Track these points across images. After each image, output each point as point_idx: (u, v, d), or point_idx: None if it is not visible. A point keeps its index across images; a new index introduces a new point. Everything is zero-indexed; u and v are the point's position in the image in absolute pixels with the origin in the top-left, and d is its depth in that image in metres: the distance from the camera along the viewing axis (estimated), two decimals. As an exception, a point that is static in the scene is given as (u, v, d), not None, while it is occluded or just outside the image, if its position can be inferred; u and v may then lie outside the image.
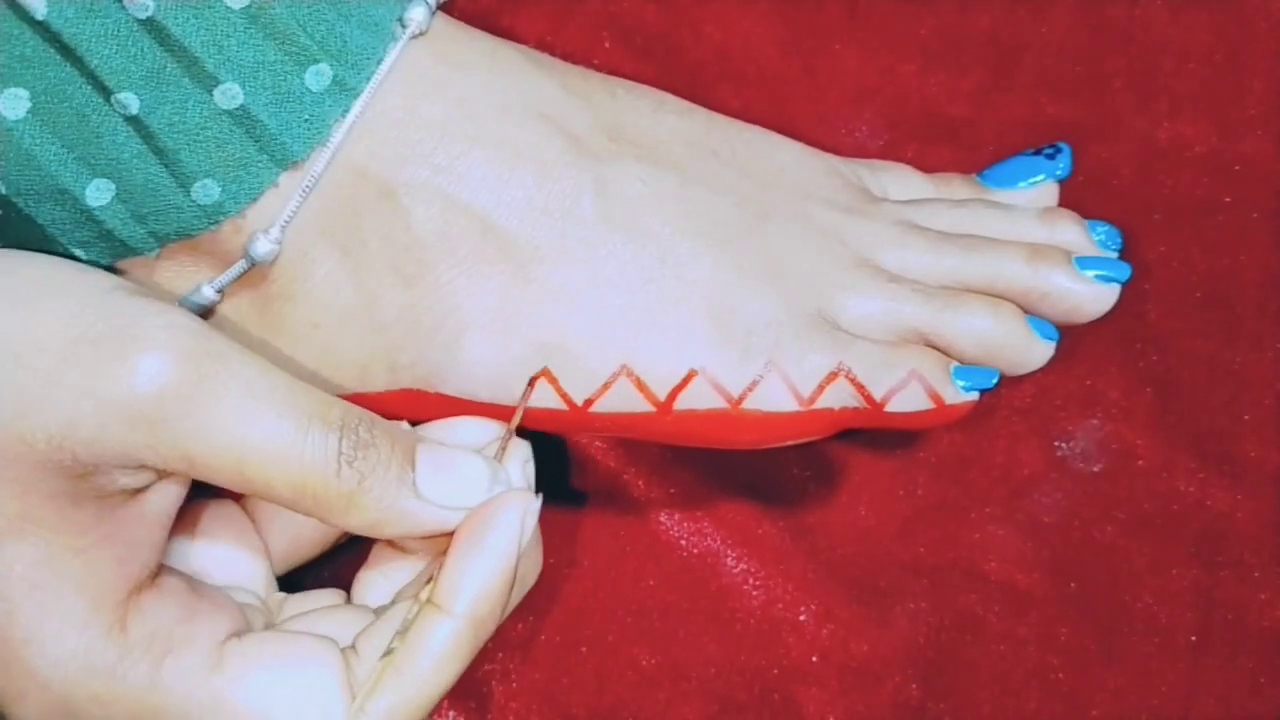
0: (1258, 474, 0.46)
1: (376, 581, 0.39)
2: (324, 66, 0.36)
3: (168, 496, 0.35)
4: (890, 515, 0.47)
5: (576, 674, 0.45)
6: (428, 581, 0.36)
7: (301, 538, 0.41)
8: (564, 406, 0.38)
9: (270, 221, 0.36)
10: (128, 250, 0.37)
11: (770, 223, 0.40)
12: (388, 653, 0.35)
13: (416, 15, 0.37)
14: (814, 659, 0.45)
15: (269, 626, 0.38)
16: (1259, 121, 0.49)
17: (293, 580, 0.42)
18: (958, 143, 0.50)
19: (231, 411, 0.33)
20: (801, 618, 0.45)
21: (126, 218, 0.36)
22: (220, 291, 0.37)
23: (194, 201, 0.36)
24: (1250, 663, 0.45)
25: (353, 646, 0.36)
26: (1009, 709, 0.44)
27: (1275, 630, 0.45)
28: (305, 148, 0.36)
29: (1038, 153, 0.45)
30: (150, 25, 0.34)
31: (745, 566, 0.46)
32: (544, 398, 0.38)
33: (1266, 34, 0.50)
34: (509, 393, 0.38)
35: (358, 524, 0.35)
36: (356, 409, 0.35)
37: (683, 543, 0.46)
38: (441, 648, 0.35)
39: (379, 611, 0.38)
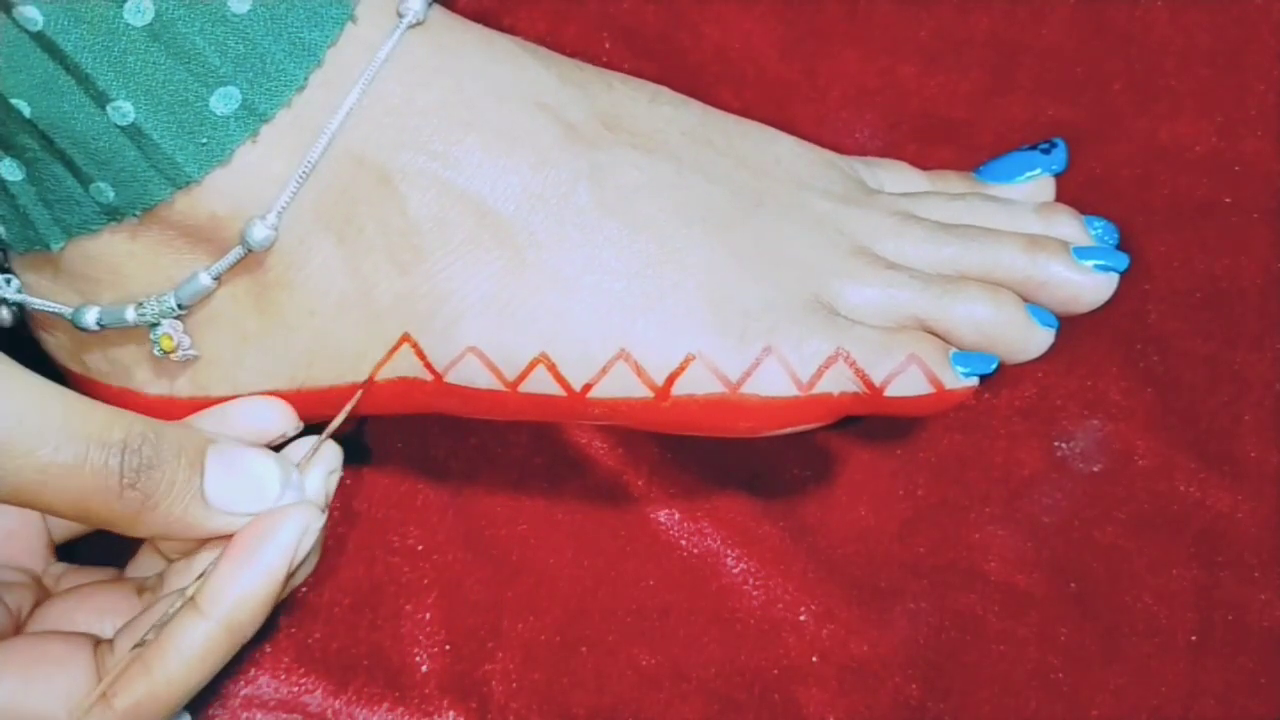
0: (1258, 474, 0.46)
1: (156, 562, 0.41)
2: (232, 89, 0.36)
3: None
4: (890, 515, 0.46)
5: (576, 674, 0.45)
6: (199, 577, 0.36)
7: None
8: (562, 393, 0.38)
9: (267, 208, 0.36)
10: (38, 237, 0.37)
11: (766, 211, 0.40)
12: (140, 644, 0.35)
13: (413, 4, 0.37)
14: (814, 659, 0.45)
15: (39, 604, 0.39)
16: (1259, 122, 0.50)
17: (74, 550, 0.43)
18: (958, 144, 0.50)
19: (2, 448, 0.33)
20: (801, 618, 0.45)
21: (36, 200, 0.37)
22: (217, 279, 0.38)
23: (92, 199, 0.36)
24: (1250, 663, 0.44)
25: (111, 641, 0.37)
26: (1009, 709, 0.44)
27: (1275, 630, 0.45)
28: (201, 169, 0.36)
29: (1033, 147, 0.45)
30: (40, 39, 0.34)
31: (745, 566, 0.46)
32: (542, 384, 0.38)
33: (1267, 35, 0.50)
34: (505, 379, 0.38)
35: (147, 535, 0.36)
36: (141, 423, 0.35)
37: (683, 543, 0.46)
38: (194, 649, 0.35)
39: (151, 585, 0.39)
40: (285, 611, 0.45)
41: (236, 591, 0.35)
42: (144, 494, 0.34)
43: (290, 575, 0.37)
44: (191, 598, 0.36)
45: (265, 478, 0.37)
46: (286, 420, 0.40)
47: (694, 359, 0.38)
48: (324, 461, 0.39)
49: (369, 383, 0.39)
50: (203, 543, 0.38)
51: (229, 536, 0.36)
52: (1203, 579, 0.45)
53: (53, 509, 0.34)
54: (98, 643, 0.37)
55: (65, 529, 0.42)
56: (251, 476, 0.37)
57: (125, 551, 0.42)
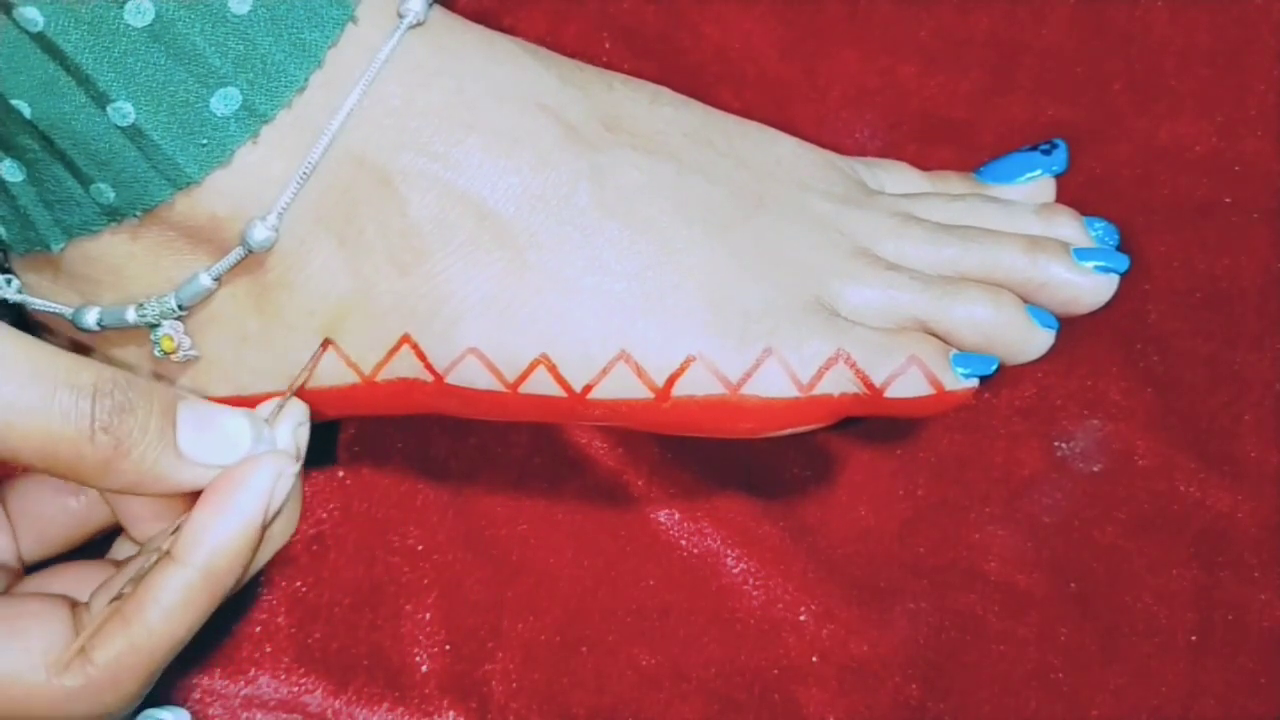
0: (1258, 474, 0.46)
1: (132, 549, 0.41)
2: (233, 90, 0.35)
3: None
4: (890, 515, 0.46)
5: (576, 674, 0.45)
6: (173, 531, 0.36)
7: (49, 532, 0.42)
8: (562, 394, 0.38)
9: (267, 209, 0.36)
10: (38, 238, 0.37)
11: (767, 212, 0.40)
12: (117, 598, 0.35)
13: (414, 5, 0.37)
14: (814, 659, 0.45)
15: (11, 586, 0.39)
16: (1259, 122, 0.50)
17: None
18: (957, 144, 0.50)
19: None
20: (801, 618, 0.45)
21: (36, 201, 0.37)
22: (217, 279, 0.38)
23: (93, 200, 0.36)
24: (1250, 663, 0.45)
25: (88, 603, 0.37)
26: (1009, 709, 0.44)
27: (1275, 630, 0.45)
28: (201, 170, 0.36)
29: (1034, 148, 0.45)
30: (41, 40, 0.34)
31: (745, 566, 0.46)
32: (542, 385, 0.38)
33: (1267, 34, 0.50)
34: (506, 381, 0.38)
35: (116, 486, 0.35)
36: (112, 370, 0.35)
37: (683, 543, 0.46)
38: (172, 598, 0.35)
39: (129, 559, 0.39)
40: (285, 611, 0.45)
41: (213, 538, 0.35)
42: (116, 439, 0.34)
43: (266, 526, 0.37)
44: (168, 551, 0.35)
45: (237, 431, 0.37)
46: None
47: (694, 360, 0.38)
48: (291, 416, 0.39)
49: (324, 347, 0.39)
50: (180, 510, 0.38)
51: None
52: (1203, 579, 0.45)
53: (18, 455, 0.34)
54: (74, 605, 0.37)
55: (38, 548, 0.42)
56: (223, 429, 0.37)
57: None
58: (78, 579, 0.39)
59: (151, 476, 0.35)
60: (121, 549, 0.42)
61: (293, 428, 0.39)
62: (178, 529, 0.36)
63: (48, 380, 0.34)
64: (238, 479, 0.36)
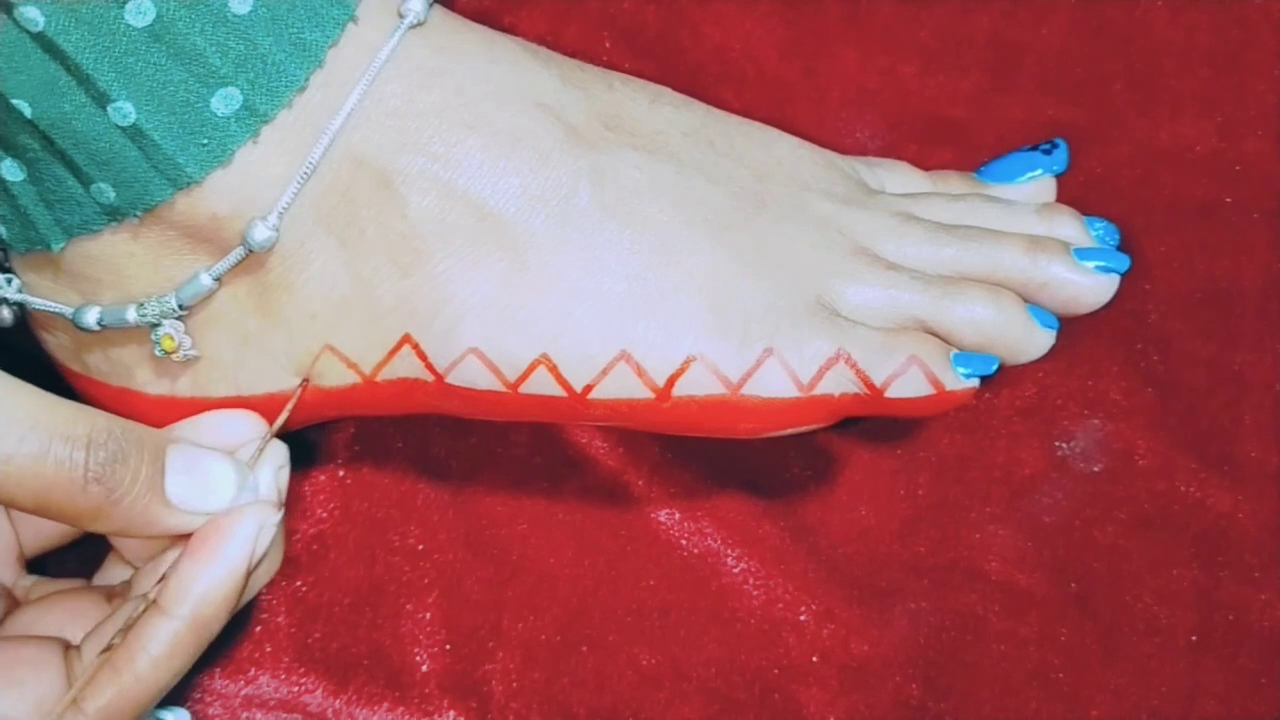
0: (1258, 474, 0.46)
1: (123, 570, 0.42)
2: (233, 90, 0.36)
3: None
4: (890, 515, 0.46)
5: (576, 674, 0.45)
6: (159, 580, 0.37)
7: (47, 527, 0.42)
8: (563, 394, 0.38)
9: (268, 209, 0.36)
10: (39, 238, 0.37)
11: (768, 212, 0.40)
12: (108, 648, 0.36)
13: (414, 5, 0.37)
14: (814, 659, 0.45)
15: (9, 614, 0.40)
16: (1259, 122, 0.50)
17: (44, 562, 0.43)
18: (958, 144, 0.50)
19: None
20: (802, 618, 0.45)
21: (37, 200, 0.37)
22: (218, 279, 0.38)
23: (93, 199, 0.36)
24: (1250, 663, 0.44)
25: (79, 646, 0.37)
26: (1009, 709, 0.44)
27: (1275, 630, 0.45)
28: (202, 170, 0.36)
29: (1034, 148, 0.45)
30: (41, 40, 0.34)
31: (745, 566, 0.46)
32: (543, 385, 0.38)
33: (1267, 35, 0.50)
34: (506, 381, 0.38)
35: (107, 530, 0.36)
36: (105, 419, 0.35)
37: (683, 543, 0.46)
38: (160, 648, 0.36)
39: (120, 591, 0.40)
40: (285, 611, 0.45)
41: (199, 588, 0.36)
42: (108, 489, 0.35)
43: (250, 572, 0.37)
44: (154, 600, 0.36)
45: (222, 479, 0.37)
46: (256, 432, 0.40)
47: (695, 360, 0.38)
48: (271, 459, 0.39)
49: (302, 386, 0.39)
50: (167, 544, 0.38)
51: (188, 537, 0.37)
52: (1203, 579, 0.45)
53: (14, 501, 0.34)
54: (67, 647, 0.37)
55: (36, 542, 0.43)
56: (209, 477, 0.37)
57: (95, 564, 0.43)
58: (70, 614, 0.39)
59: (141, 522, 0.36)
60: (112, 570, 0.42)
61: (274, 471, 0.39)
62: (163, 578, 0.36)
63: (45, 431, 0.34)
64: (223, 531, 0.36)
